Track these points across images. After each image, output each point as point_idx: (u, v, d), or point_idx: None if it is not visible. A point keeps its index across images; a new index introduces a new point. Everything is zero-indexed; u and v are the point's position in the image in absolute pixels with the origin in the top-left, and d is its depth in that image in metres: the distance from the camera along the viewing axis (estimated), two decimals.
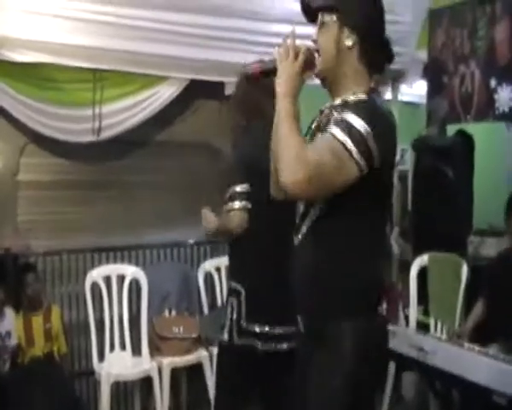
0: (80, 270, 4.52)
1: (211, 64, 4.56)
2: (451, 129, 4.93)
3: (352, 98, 2.04)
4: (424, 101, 5.20)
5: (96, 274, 4.34)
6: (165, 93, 4.62)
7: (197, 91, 4.79)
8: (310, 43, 2.09)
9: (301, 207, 2.11)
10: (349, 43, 2.05)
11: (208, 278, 4.84)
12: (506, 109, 4.42)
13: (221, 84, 4.77)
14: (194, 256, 5.02)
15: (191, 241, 5.01)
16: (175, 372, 4.44)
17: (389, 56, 2.15)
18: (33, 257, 4.38)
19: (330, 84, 2.11)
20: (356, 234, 2.04)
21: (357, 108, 1.96)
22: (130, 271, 4.49)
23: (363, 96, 2.03)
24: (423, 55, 5.19)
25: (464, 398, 3.63)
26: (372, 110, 2.00)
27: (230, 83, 4.82)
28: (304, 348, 2.15)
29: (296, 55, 2.01)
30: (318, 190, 1.91)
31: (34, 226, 4.47)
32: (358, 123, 1.91)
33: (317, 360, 2.04)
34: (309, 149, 1.90)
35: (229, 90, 4.83)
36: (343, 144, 1.89)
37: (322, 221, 2.03)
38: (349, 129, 1.91)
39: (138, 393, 4.52)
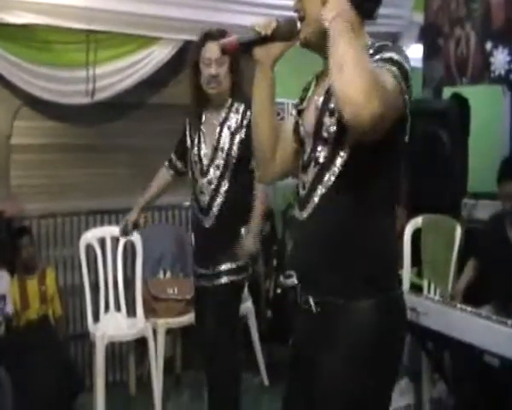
0: (75, 233, 4.54)
1: (205, 25, 4.45)
2: (447, 92, 4.91)
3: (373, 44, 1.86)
4: (420, 65, 5.18)
5: (91, 236, 4.35)
6: (159, 55, 4.59)
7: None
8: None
9: (307, 178, 1.94)
10: None
11: None
12: (502, 72, 4.42)
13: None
14: (188, 218, 5.02)
15: (186, 203, 5.01)
16: (169, 333, 4.48)
17: (371, 15, 1.96)
18: (27, 220, 4.39)
19: (320, 48, 1.89)
20: (383, 194, 1.89)
21: (392, 49, 1.80)
22: None
23: (386, 43, 1.84)
24: (419, 18, 5.17)
25: (456, 358, 3.67)
26: (403, 50, 1.85)
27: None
28: (315, 325, 1.92)
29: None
30: (381, 126, 1.64)
31: (28, 190, 4.48)
32: (400, 58, 1.75)
33: (334, 346, 1.86)
34: (380, 74, 1.66)
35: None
36: (397, 77, 1.71)
37: (338, 187, 1.85)
38: (396, 63, 1.74)
39: (133, 354, 4.55)
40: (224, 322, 3.30)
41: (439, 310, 3.24)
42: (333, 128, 1.85)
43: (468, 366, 3.41)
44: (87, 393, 4.17)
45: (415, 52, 5.40)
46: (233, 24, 4.57)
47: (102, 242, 4.39)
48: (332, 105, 1.85)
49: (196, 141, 3.35)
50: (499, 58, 4.42)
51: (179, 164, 3.60)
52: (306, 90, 2.10)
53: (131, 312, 4.42)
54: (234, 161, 3.27)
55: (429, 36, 4.99)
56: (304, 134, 2.01)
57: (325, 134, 1.88)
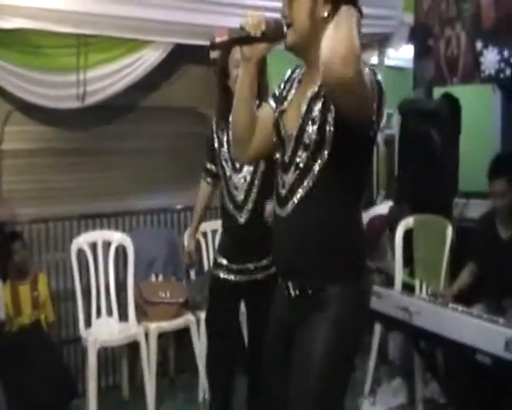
0: (67, 237, 4.50)
1: (196, 28, 4.52)
2: (438, 92, 4.92)
3: None
4: (411, 65, 5.19)
5: (82, 241, 4.33)
6: (150, 58, 4.57)
7: (183, 56, 4.75)
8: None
9: (288, 179, 2.14)
10: (324, 13, 2.01)
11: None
12: (492, 72, 4.43)
13: (207, 48, 4.72)
14: (181, 222, 5.02)
15: (179, 206, 5.01)
16: (162, 337, 4.46)
17: (361, 14, 2.02)
18: (19, 226, 4.36)
19: (304, 55, 2.10)
20: (354, 193, 2.13)
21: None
22: (116, 237, 4.47)
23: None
24: (410, 18, 5.17)
25: (448, 357, 3.67)
26: (375, 73, 2.01)
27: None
28: (294, 312, 2.20)
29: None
30: (357, 84, 1.78)
31: (19, 195, 4.44)
32: (375, 79, 1.95)
33: (316, 322, 2.11)
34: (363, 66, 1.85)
35: (215, 54, 4.81)
36: (371, 82, 1.91)
37: (316, 191, 2.07)
38: (376, 80, 1.95)
39: (125, 358, 4.53)
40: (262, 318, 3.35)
41: (431, 310, 3.25)
42: (314, 136, 2.05)
43: (460, 364, 3.40)
44: (80, 398, 4.14)
45: (406, 53, 5.41)
46: (223, 26, 4.58)
47: (94, 246, 4.37)
48: (314, 113, 2.05)
49: (225, 140, 3.41)
50: (489, 58, 4.43)
51: (214, 168, 3.62)
52: (284, 88, 2.27)
53: (123, 316, 4.40)
54: None
55: (420, 36, 5.00)
56: (285, 136, 2.18)
57: (307, 140, 2.07)
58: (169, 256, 4.74)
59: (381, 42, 5.39)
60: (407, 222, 4.35)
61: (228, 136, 3.39)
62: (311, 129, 2.05)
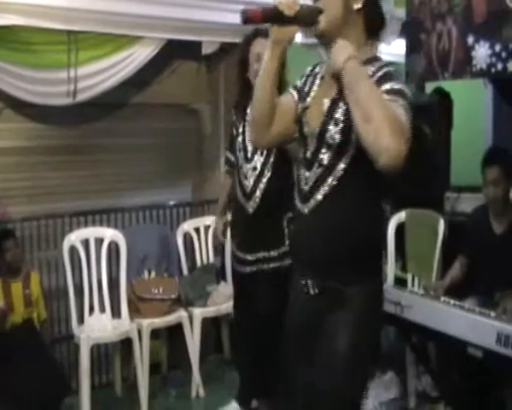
0: (59, 235, 4.50)
1: (188, 24, 4.52)
2: (429, 87, 4.93)
3: (374, 68, 2.06)
4: (402, 60, 5.18)
5: (74, 238, 4.32)
6: (141, 54, 4.56)
7: (174, 52, 4.75)
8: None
9: (310, 176, 2.14)
10: (358, 5, 2.06)
11: (188, 238, 4.86)
12: (483, 66, 4.40)
13: (198, 45, 4.73)
14: (173, 218, 5.02)
15: (171, 203, 5.01)
16: (155, 333, 4.46)
17: (384, 23, 2.19)
18: (11, 223, 4.35)
19: (327, 40, 2.10)
20: (377, 192, 2.14)
21: (393, 77, 2.01)
22: (109, 233, 4.47)
23: (388, 68, 2.06)
24: (401, 13, 5.16)
25: (440, 351, 3.68)
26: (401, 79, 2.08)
27: (208, 42, 4.80)
28: (310, 309, 2.20)
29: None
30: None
31: (11, 193, 4.43)
32: (406, 90, 1.99)
33: (335, 320, 2.12)
34: (401, 116, 1.88)
35: (206, 50, 4.81)
36: (407, 111, 1.93)
37: (338, 189, 2.07)
38: (405, 95, 1.96)
39: (118, 355, 4.53)
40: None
41: (423, 303, 3.25)
42: (337, 136, 2.06)
43: (451, 358, 3.42)
44: (73, 395, 4.15)
45: (397, 47, 5.40)
46: (214, 22, 4.58)
47: (86, 243, 4.37)
48: (337, 115, 2.06)
49: (241, 130, 3.50)
50: (481, 52, 4.41)
51: (232, 157, 3.69)
52: (305, 82, 2.28)
53: (116, 313, 4.40)
54: (275, 149, 3.35)
55: (411, 31, 4.98)
56: (307, 133, 2.18)
57: (330, 140, 2.08)
58: (161, 253, 4.74)
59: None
60: (399, 216, 4.36)
61: (243, 127, 3.47)
62: (334, 130, 2.06)
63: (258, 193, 3.39)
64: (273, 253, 3.38)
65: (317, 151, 2.13)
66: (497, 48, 4.30)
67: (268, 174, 3.38)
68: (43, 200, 4.55)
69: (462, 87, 5.01)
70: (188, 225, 4.85)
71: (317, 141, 2.13)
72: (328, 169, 2.09)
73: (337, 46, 2.00)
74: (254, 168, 3.42)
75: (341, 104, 2.06)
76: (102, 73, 4.46)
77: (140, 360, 4.21)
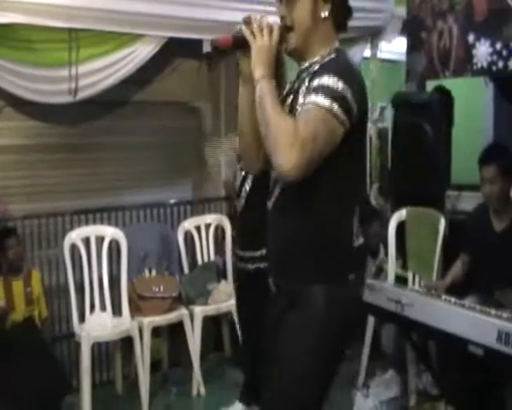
0: (59, 233, 4.50)
1: (189, 22, 4.50)
2: (431, 85, 4.93)
3: (320, 59, 2.04)
4: (403, 58, 5.18)
5: (75, 236, 4.33)
6: (142, 52, 4.54)
7: (175, 50, 4.74)
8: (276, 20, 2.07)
9: (273, 173, 2.12)
10: (325, 13, 2.04)
11: (188, 236, 4.86)
12: (484, 65, 4.41)
13: (199, 43, 4.72)
14: (174, 216, 5.02)
15: (172, 201, 5.01)
16: (156, 331, 4.46)
17: (351, 12, 2.13)
18: (12, 222, 4.35)
19: (299, 53, 2.10)
20: (333, 193, 2.03)
21: (331, 68, 1.95)
22: (110, 232, 4.47)
23: (332, 56, 2.02)
24: (402, 11, 5.17)
25: (441, 349, 3.68)
26: (346, 67, 2.00)
27: (209, 41, 4.78)
28: (275, 308, 2.17)
29: (270, 32, 2.00)
30: (314, 166, 1.89)
31: (12, 191, 4.43)
32: (338, 84, 1.89)
33: (289, 321, 2.08)
34: (300, 128, 1.86)
35: (207, 48, 4.80)
36: (330, 111, 1.87)
37: (296, 186, 1.97)
38: (331, 92, 1.88)
39: (119, 353, 4.53)
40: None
41: (423, 301, 3.24)
42: None
43: (452, 356, 3.41)
44: (73, 393, 4.14)
45: (398, 46, 5.40)
46: (216, 20, 4.57)
47: (87, 241, 4.37)
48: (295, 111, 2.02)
49: None
50: (482, 50, 4.41)
51: None
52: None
53: (117, 311, 4.40)
54: None
55: (412, 29, 4.99)
56: None
57: None
58: (162, 251, 4.74)
59: (373, 35, 5.39)
60: (400, 215, 4.36)
61: None
62: None
63: (243, 193, 3.43)
64: (259, 252, 3.40)
65: None
66: (498, 46, 4.30)
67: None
68: (43, 198, 4.55)
69: (462, 85, 5.01)
70: (188, 224, 4.85)
71: None
72: None
73: (254, 57, 1.99)
74: (241, 168, 3.46)
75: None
76: (103, 71, 4.45)
77: (141, 358, 4.22)
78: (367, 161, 5.15)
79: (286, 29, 2.04)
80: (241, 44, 2.03)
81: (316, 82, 1.93)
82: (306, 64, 2.08)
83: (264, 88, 1.95)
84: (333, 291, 2.03)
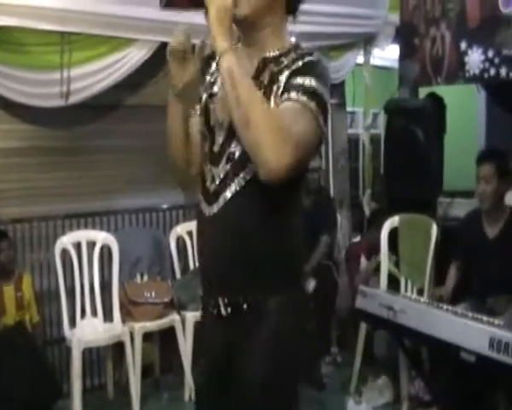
0: (51, 237, 4.47)
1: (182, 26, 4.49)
2: (424, 92, 4.95)
3: (285, 51, 1.87)
4: (396, 65, 5.20)
5: (66, 240, 4.30)
6: (135, 56, 4.54)
7: None
8: None
9: (218, 172, 1.88)
10: None
11: (181, 242, 4.85)
12: (476, 72, 4.43)
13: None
14: (166, 221, 5.01)
15: (164, 206, 5.00)
16: (147, 336, 4.44)
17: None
18: (3, 225, 4.33)
19: (250, 31, 1.89)
20: (286, 199, 1.87)
21: (313, 70, 1.79)
22: (101, 236, 4.45)
23: (311, 57, 1.83)
24: (395, 18, 5.19)
25: (433, 355, 3.68)
26: (325, 72, 1.86)
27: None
28: (229, 334, 1.91)
29: None
30: (297, 171, 1.72)
31: (3, 194, 4.40)
32: (321, 89, 1.76)
33: (249, 345, 1.87)
34: (291, 125, 1.68)
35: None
36: (317, 120, 1.74)
37: (254, 185, 1.78)
38: (316, 96, 1.74)
39: (110, 358, 4.50)
40: None
41: (416, 308, 3.25)
42: None
43: (444, 362, 3.42)
44: (64, 398, 4.13)
45: (391, 52, 5.43)
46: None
47: (78, 246, 4.35)
48: None
49: None
50: (474, 57, 4.44)
51: None
52: (210, 68, 2.05)
53: (108, 316, 4.37)
54: None
55: (405, 36, 5.01)
56: (215, 123, 1.93)
57: None
58: (154, 256, 4.73)
59: (366, 41, 5.41)
60: (392, 221, 4.37)
61: None
62: None
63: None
64: None
65: (225, 144, 1.87)
66: (490, 53, 4.33)
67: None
68: (34, 202, 4.51)
69: (455, 92, 5.04)
70: (181, 229, 4.83)
71: (226, 132, 1.87)
72: (241, 163, 1.81)
73: (213, 20, 1.73)
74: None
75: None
76: (96, 75, 4.44)
77: (132, 363, 4.19)
78: None
79: None
80: (198, 2, 1.79)
81: (305, 81, 1.75)
82: (271, 54, 1.87)
83: (232, 64, 1.70)
84: (293, 299, 1.90)
